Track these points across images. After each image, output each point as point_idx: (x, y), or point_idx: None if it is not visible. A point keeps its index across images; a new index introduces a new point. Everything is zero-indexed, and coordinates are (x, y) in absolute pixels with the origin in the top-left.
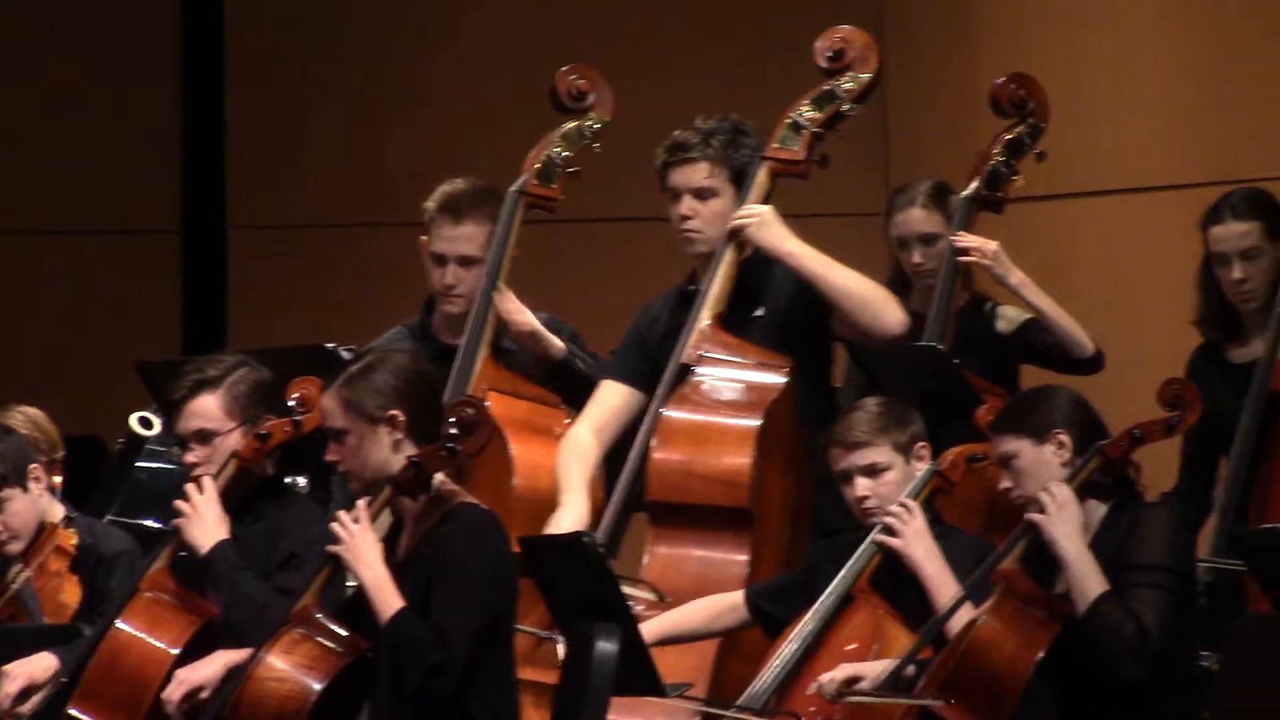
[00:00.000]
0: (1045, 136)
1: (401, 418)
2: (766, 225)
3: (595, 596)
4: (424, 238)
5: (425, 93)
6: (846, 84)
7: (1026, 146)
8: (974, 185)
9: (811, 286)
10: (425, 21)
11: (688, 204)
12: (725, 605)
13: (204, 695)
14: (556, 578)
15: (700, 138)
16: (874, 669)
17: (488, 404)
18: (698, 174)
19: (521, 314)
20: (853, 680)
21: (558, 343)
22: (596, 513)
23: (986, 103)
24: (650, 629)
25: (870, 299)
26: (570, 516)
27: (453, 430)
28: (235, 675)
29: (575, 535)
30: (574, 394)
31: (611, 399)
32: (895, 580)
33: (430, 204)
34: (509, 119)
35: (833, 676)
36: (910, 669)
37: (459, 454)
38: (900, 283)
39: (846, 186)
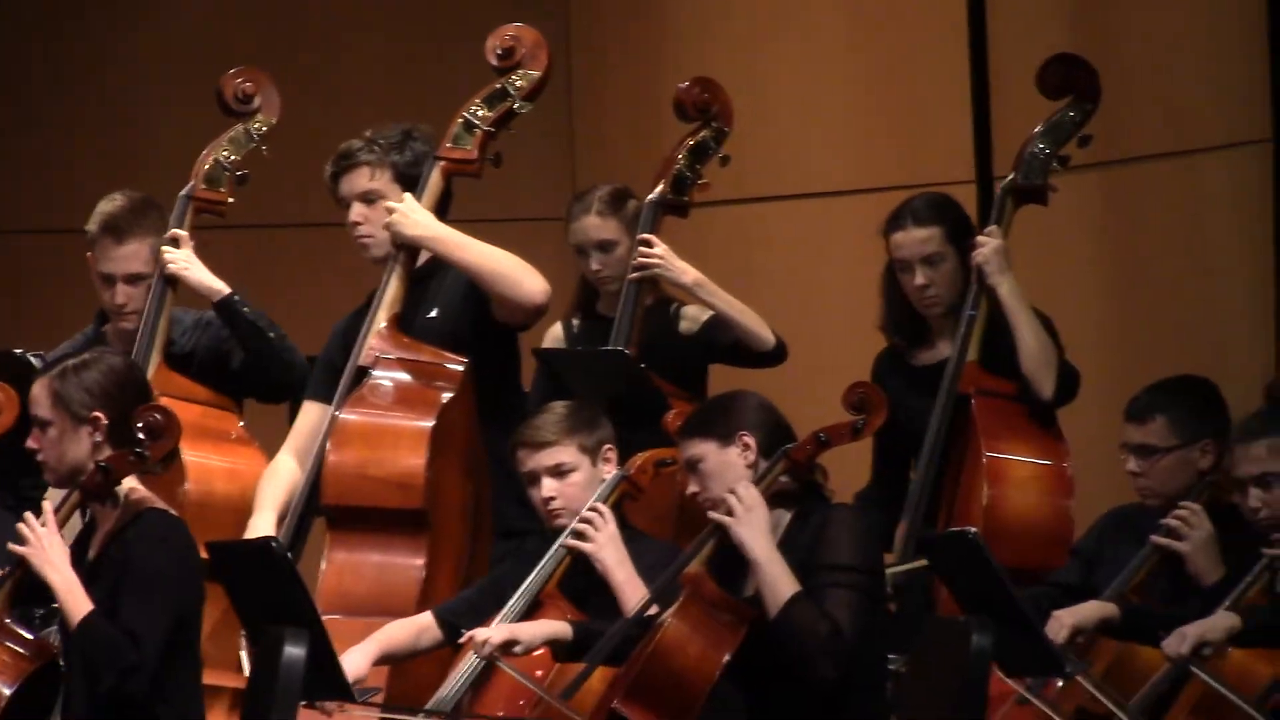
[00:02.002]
0: (729, 141)
1: (104, 420)
2: (405, 217)
3: (283, 601)
4: (90, 254)
5: (105, 96)
6: (518, 82)
7: (711, 151)
8: (659, 189)
9: (454, 266)
10: (104, 28)
11: (357, 210)
12: (420, 625)
13: None
14: (245, 582)
15: (364, 144)
16: (530, 631)
17: None
18: (361, 179)
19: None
20: (509, 643)
21: (218, 284)
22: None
23: (671, 107)
24: (365, 651)
25: (508, 271)
26: (258, 532)
27: (141, 436)
28: None
29: (263, 540)
30: (242, 339)
31: (311, 420)
32: (584, 584)
33: (91, 225)
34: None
35: (490, 637)
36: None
37: (147, 459)
38: (588, 288)
39: (534, 192)
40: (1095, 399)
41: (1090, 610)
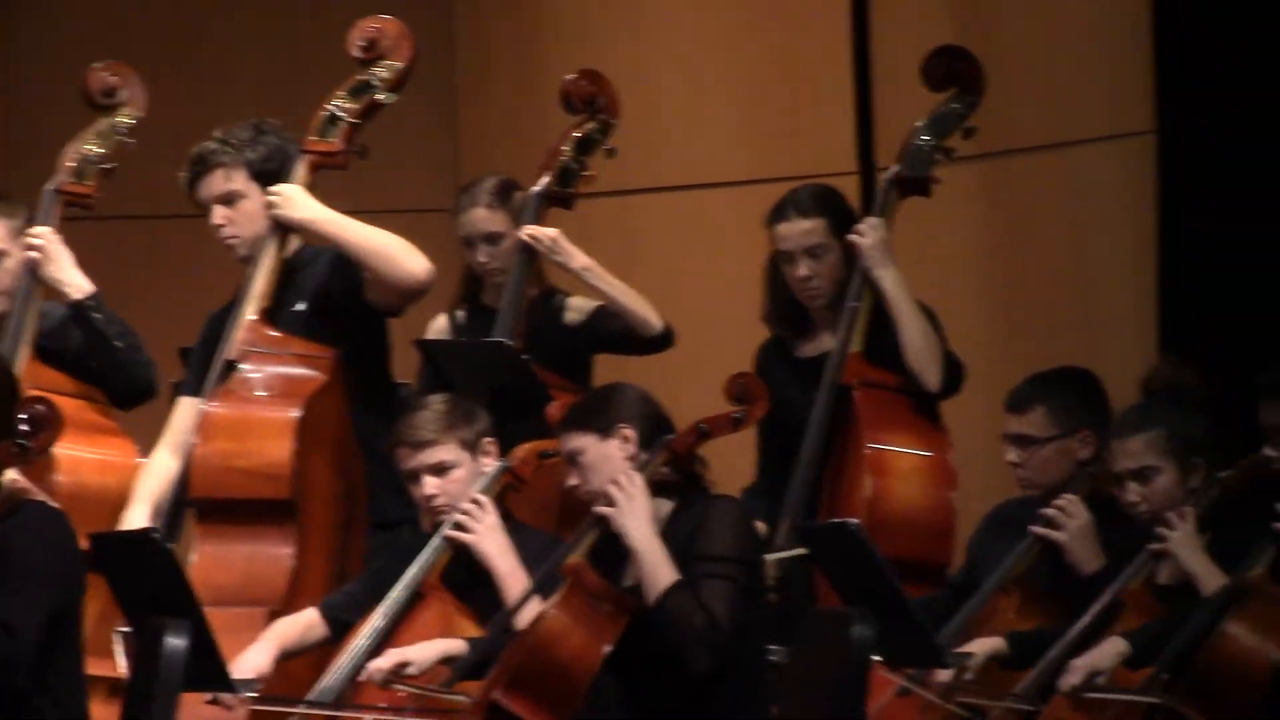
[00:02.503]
0: (615, 133)
1: None
2: (289, 201)
3: (164, 592)
4: None
5: None
6: (382, 73)
7: (596, 143)
8: (544, 181)
9: (338, 249)
10: None
11: (219, 213)
12: (308, 621)
13: None
14: (126, 574)
15: (216, 145)
16: (421, 653)
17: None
18: (218, 182)
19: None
20: (401, 666)
21: (79, 282)
22: None
23: (557, 99)
24: (264, 649)
25: (391, 250)
26: (132, 526)
27: (24, 427)
28: None
29: (144, 531)
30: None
31: (186, 414)
32: (466, 576)
33: None
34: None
35: (380, 664)
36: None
37: (29, 451)
38: (473, 279)
39: (418, 183)
40: (978, 390)
41: (979, 646)
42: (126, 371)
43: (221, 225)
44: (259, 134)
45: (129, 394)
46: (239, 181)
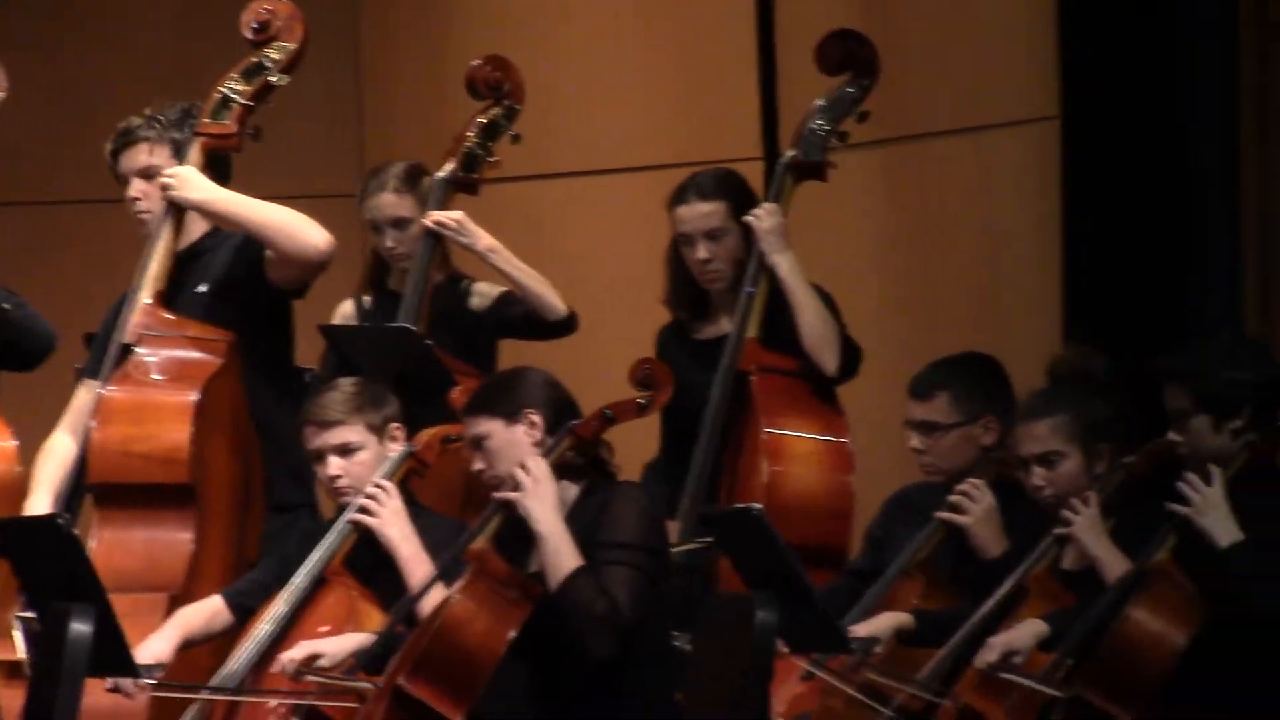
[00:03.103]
0: (520, 119)
1: None
2: (185, 183)
3: (69, 577)
4: None
5: None
6: (274, 55)
7: (502, 129)
8: (450, 167)
9: (236, 229)
10: None
11: (136, 186)
12: (213, 609)
13: None
14: (30, 559)
15: (143, 121)
16: (334, 645)
17: None
18: (140, 156)
19: None
20: (313, 658)
21: None
22: None
23: (462, 85)
24: (167, 636)
25: (290, 224)
26: (37, 510)
27: None
28: None
29: (50, 517)
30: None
31: (85, 398)
32: (370, 561)
33: None
34: None
35: (292, 655)
36: (378, 650)
37: None
38: (380, 265)
39: (322, 169)
40: (881, 377)
41: (885, 621)
42: (21, 328)
43: (137, 199)
44: (187, 116)
45: (31, 351)
46: (161, 158)
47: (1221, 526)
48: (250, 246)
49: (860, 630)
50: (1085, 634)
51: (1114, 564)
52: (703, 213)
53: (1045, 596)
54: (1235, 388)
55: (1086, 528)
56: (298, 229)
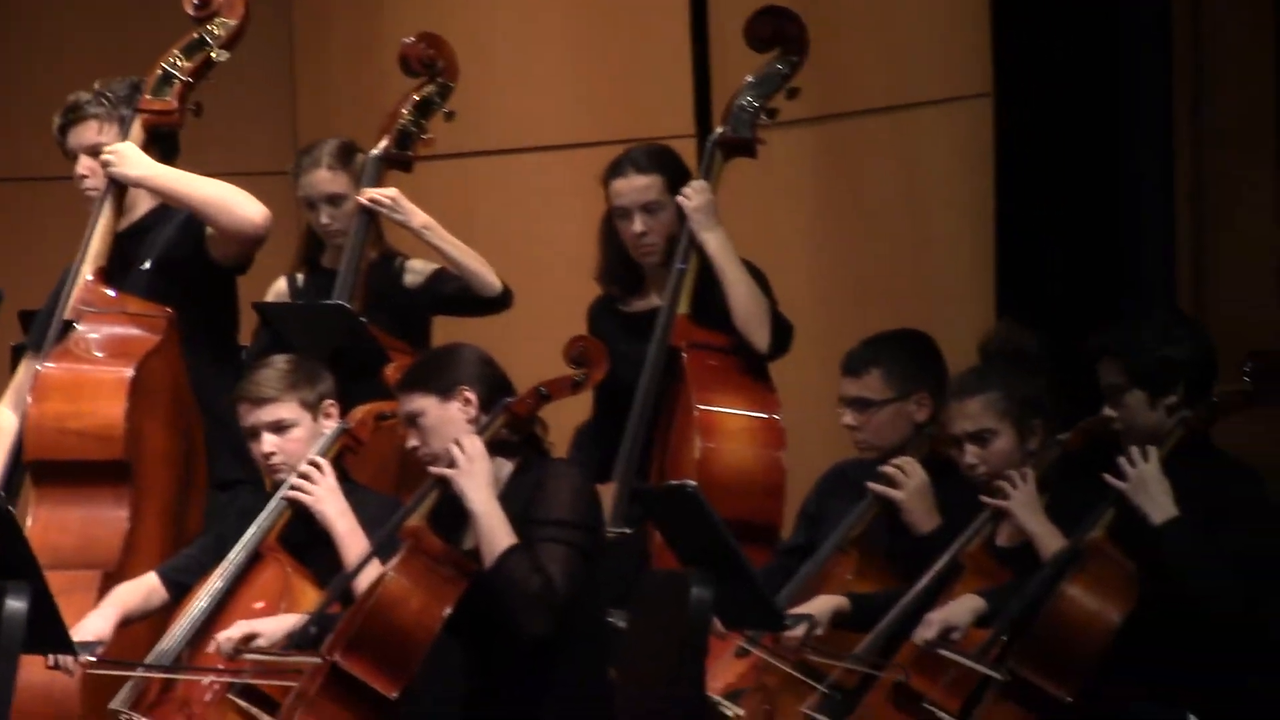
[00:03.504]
0: (453, 96)
1: None
2: (124, 160)
3: (5, 554)
4: None
5: None
6: (215, 30)
7: (436, 106)
8: (383, 144)
9: (176, 205)
10: None
11: (84, 163)
12: (149, 587)
13: None
14: None
15: (92, 97)
16: (271, 625)
17: None
18: (89, 133)
19: None
20: (250, 638)
21: None
22: None
23: (396, 62)
24: (105, 614)
25: (227, 198)
26: None
27: None
28: None
29: None
30: None
31: (28, 375)
32: (304, 537)
33: None
34: None
35: (229, 635)
36: (313, 628)
37: None
38: (314, 242)
39: (255, 146)
40: (813, 353)
41: (823, 603)
42: None
43: (85, 176)
44: (135, 92)
45: None
46: (110, 135)
47: (1157, 503)
48: (194, 223)
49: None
50: (1021, 611)
51: (1050, 540)
52: (639, 186)
53: (980, 573)
54: (1170, 364)
55: (1021, 504)
56: (234, 204)
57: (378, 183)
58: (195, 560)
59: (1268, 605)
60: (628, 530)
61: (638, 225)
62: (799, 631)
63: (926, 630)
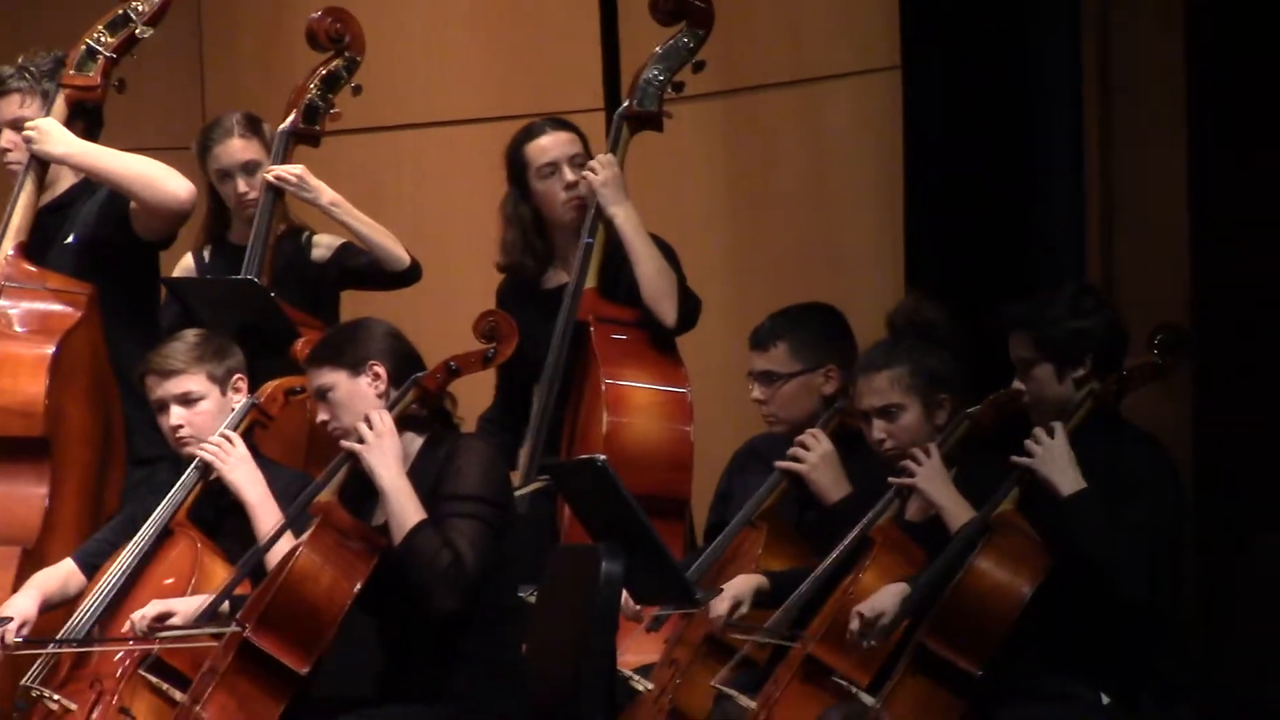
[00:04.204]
0: (360, 70)
1: None
2: (46, 136)
3: None
4: None
5: None
6: (139, 7)
7: (343, 80)
8: (291, 119)
9: (100, 181)
10: None
11: (7, 137)
12: (67, 572)
13: None
14: None
15: (15, 71)
16: (186, 605)
17: None
18: (12, 106)
19: None
20: (164, 616)
21: None
22: None
23: (303, 37)
24: (29, 596)
25: (151, 175)
26: None
27: None
28: None
29: None
30: None
31: None
32: (213, 513)
33: None
34: None
35: (144, 614)
36: (225, 605)
37: None
38: (220, 217)
39: (162, 122)
40: (722, 327)
41: (744, 583)
42: None
43: (8, 149)
44: (59, 66)
45: None
46: (33, 109)
47: (1065, 476)
48: (117, 199)
49: (723, 597)
50: (932, 585)
51: (959, 513)
52: (566, 139)
53: (890, 547)
54: (1078, 336)
55: (929, 478)
56: (158, 180)
57: (285, 157)
58: (108, 543)
59: (1170, 578)
60: (545, 479)
61: (570, 175)
62: (723, 608)
63: (854, 622)
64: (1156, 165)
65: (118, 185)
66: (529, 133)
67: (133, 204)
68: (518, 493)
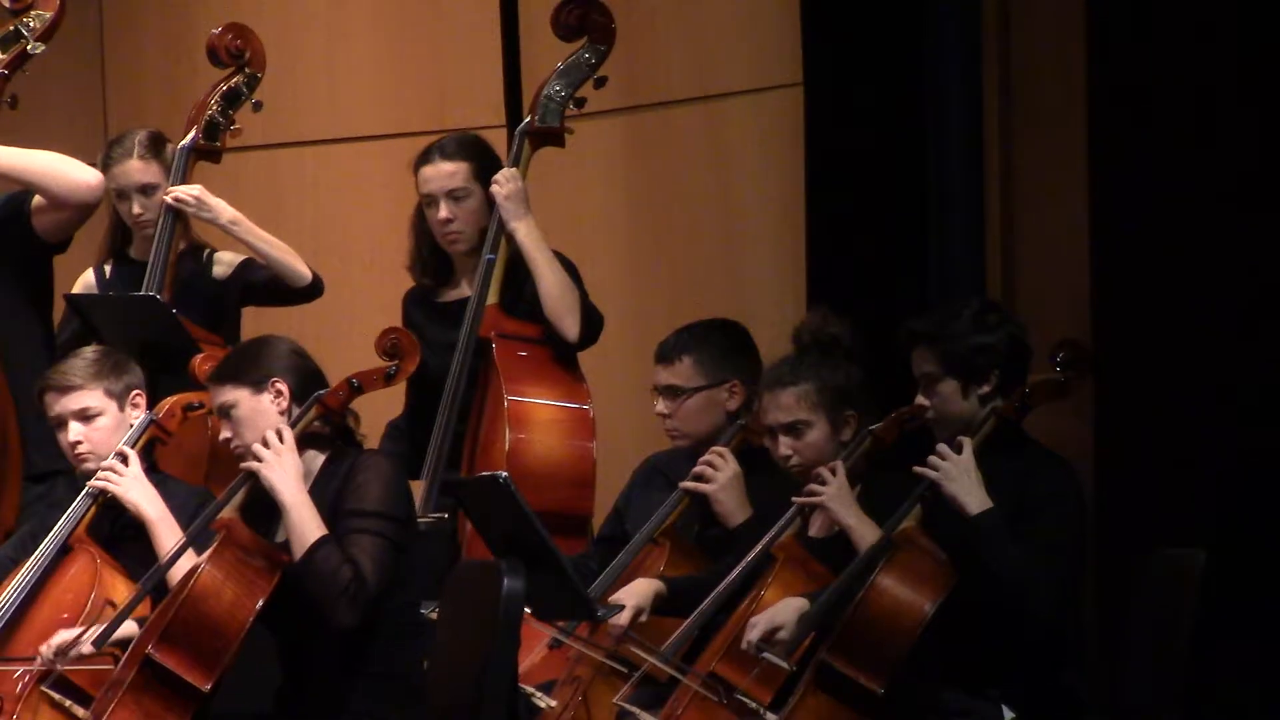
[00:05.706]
0: (261, 86)
1: None
2: None
3: None
4: None
5: None
6: (31, 23)
7: (244, 96)
8: (191, 135)
9: (5, 179)
10: None
11: None
12: None
13: None
14: None
15: None
16: (92, 633)
17: None
18: None
19: None
20: (67, 646)
21: None
22: None
23: (204, 53)
24: None
25: (57, 167)
26: None
27: None
28: None
29: None
30: None
31: None
32: (112, 530)
33: None
34: None
35: (50, 644)
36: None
37: None
38: (121, 233)
39: (64, 136)
40: (624, 343)
41: (643, 588)
42: None
43: None
44: None
45: None
46: None
47: (971, 496)
48: (15, 199)
49: (625, 604)
50: (835, 602)
51: (865, 532)
52: (446, 172)
53: (792, 563)
54: (983, 352)
55: (835, 497)
56: (67, 171)
57: (186, 174)
58: (7, 559)
59: (1072, 595)
60: (443, 515)
61: (443, 212)
62: (624, 619)
63: (751, 633)
64: (1058, 180)
65: (28, 181)
66: (424, 156)
67: (35, 200)
68: (423, 521)
